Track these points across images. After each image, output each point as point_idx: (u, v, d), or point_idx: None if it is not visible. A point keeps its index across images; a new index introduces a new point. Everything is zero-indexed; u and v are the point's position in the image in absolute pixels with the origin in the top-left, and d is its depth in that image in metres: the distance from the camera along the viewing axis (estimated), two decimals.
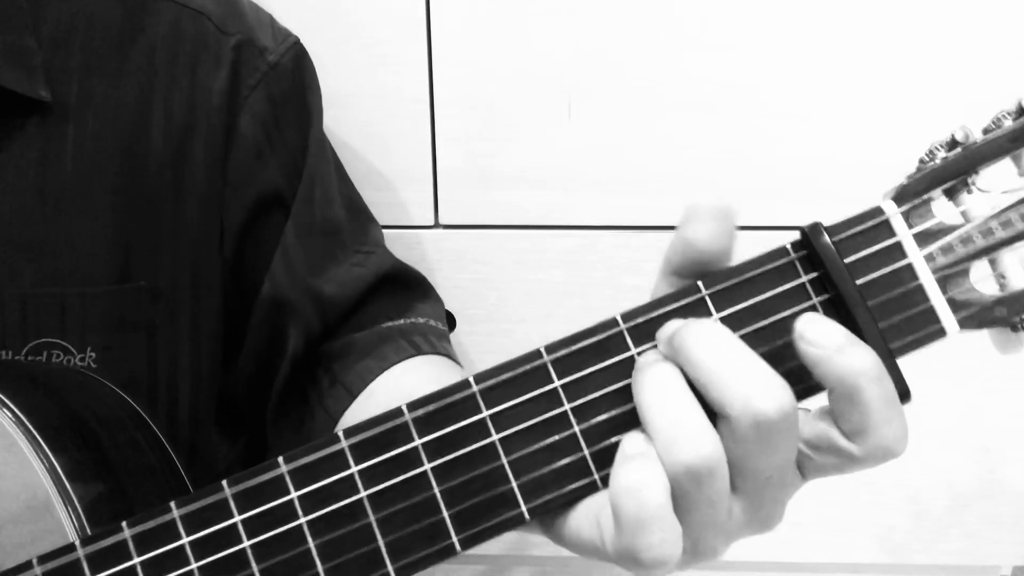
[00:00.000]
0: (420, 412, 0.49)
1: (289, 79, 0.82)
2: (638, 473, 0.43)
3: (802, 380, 0.46)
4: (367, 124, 1.03)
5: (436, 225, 1.07)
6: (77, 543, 0.49)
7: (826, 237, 0.47)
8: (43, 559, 0.49)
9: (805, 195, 1.02)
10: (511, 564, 1.23)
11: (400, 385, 0.78)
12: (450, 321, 1.06)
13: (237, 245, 0.80)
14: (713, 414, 0.44)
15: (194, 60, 0.78)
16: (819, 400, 0.47)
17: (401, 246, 1.06)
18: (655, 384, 0.45)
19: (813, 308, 0.48)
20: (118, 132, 0.75)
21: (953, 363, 1.05)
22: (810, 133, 1.00)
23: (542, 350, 0.49)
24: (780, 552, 1.16)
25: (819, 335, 0.44)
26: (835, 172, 1.01)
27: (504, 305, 1.09)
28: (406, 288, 0.90)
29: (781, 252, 0.48)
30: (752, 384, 0.43)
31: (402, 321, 0.84)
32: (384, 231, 1.00)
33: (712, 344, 0.44)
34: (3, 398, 0.59)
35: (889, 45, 0.97)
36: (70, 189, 0.74)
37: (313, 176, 0.83)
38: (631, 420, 0.47)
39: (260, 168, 0.80)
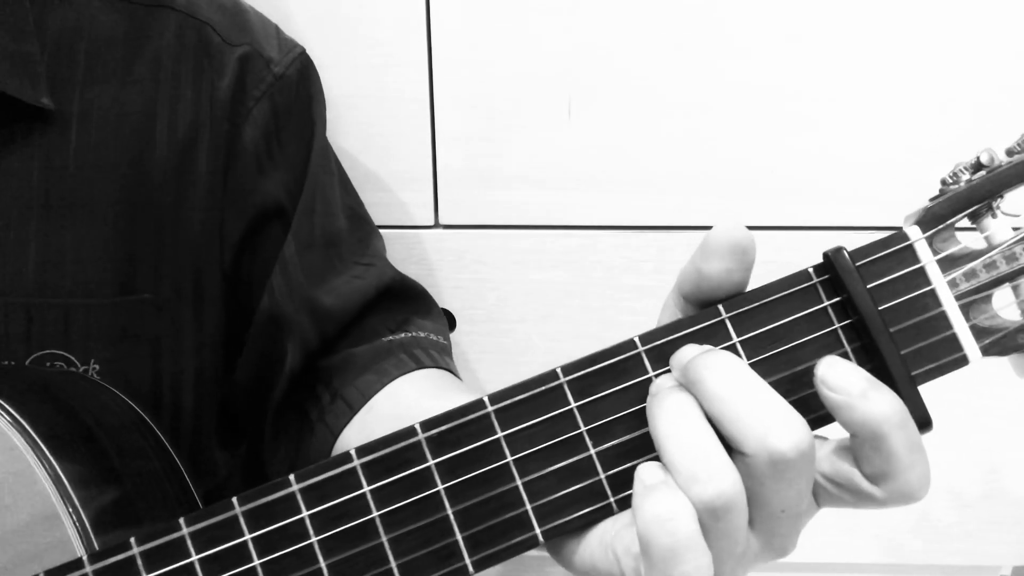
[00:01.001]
0: (433, 432, 0.48)
1: (294, 91, 0.81)
2: (666, 503, 0.42)
3: (820, 408, 0.46)
4: (367, 124, 1.02)
5: (436, 225, 1.06)
6: (85, 559, 0.49)
7: (849, 261, 0.46)
8: (51, 574, 0.49)
9: (805, 195, 1.02)
10: (513, 568, 1.23)
11: (399, 399, 0.77)
12: (450, 321, 1.05)
13: (236, 257, 0.80)
14: (728, 445, 0.44)
15: (198, 70, 0.77)
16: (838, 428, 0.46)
17: (401, 246, 1.06)
18: (672, 414, 0.44)
19: (834, 333, 0.47)
20: (121, 142, 0.75)
21: None
22: (811, 133, 1.00)
23: (558, 371, 0.48)
24: None
25: (841, 380, 0.43)
26: (836, 172, 1.01)
27: (504, 305, 1.08)
28: (406, 301, 0.89)
29: (803, 276, 0.48)
30: (768, 421, 0.42)
31: (403, 335, 0.83)
32: (384, 231, 1.00)
33: (728, 377, 0.43)
34: (6, 406, 0.59)
35: (892, 44, 0.97)
36: (73, 198, 0.73)
37: (314, 188, 0.82)
38: (649, 443, 0.47)
39: (261, 180, 0.79)
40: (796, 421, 0.42)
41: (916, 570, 1.18)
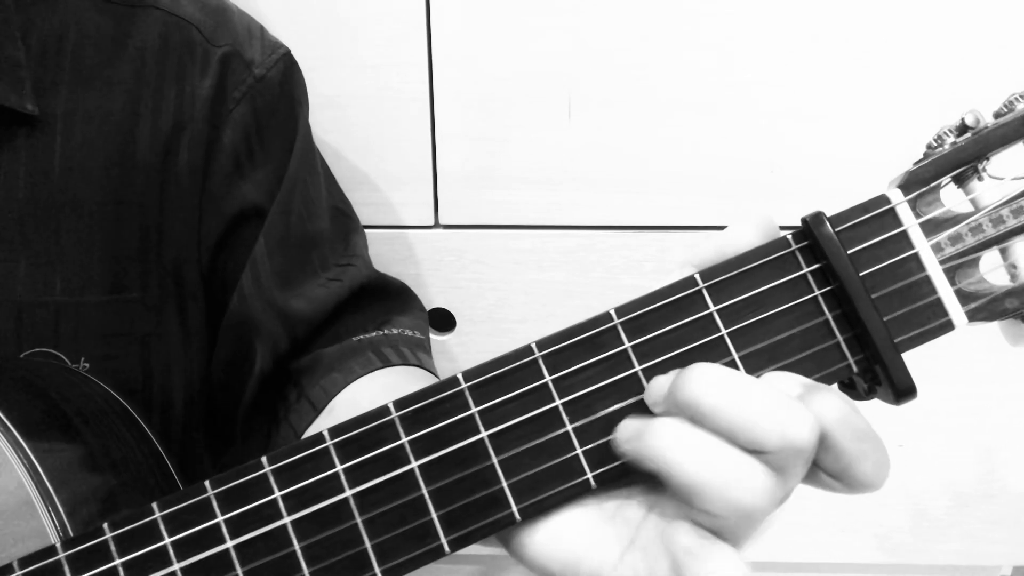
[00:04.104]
0: (407, 410, 0.47)
1: (276, 92, 0.81)
2: (725, 566, 0.41)
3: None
4: (367, 124, 1.02)
5: (436, 225, 1.06)
6: (58, 545, 0.48)
7: (828, 227, 0.45)
8: (24, 562, 0.48)
9: (806, 195, 1.02)
10: (508, 564, 1.23)
11: (360, 398, 0.77)
12: (450, 321, 1.05)
13: (212, 257, 0.80)
14: None
15: (181, 69, 0.77)
16: None
17: (401, 246, 1.06)
18: (674, 438, 0.42)
19: (814, 301, 0.46)
20: (106, 142, 0.75)
21: (954, 362, 1.05)
22: (811, 132, 1.00)
23: (533, 345, 0.47)
24: (780, 552, 1.16)
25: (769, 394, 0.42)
26: (836, 171, 1.01)
27: (504, 305, 1.08)
28: (384, 299, 0.89)
29: (781, 243, 0.47)
30: (782, 415, 0.41)
31: (375, 333, 0.83)
32: (384, 231, 1.00)
33: (727, 386, 0.42)
34: None
35: (891, 43, 0.96)
36: (60, 200, 0.73)
37: (293, 189, 0.82)
38: (624, 416, 0.46)
39: (240, 183, 0.79)
40: (802, 407, 0.41)
41: (916, 570, 1.19)
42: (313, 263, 0.84)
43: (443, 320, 1.10)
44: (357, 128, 1.03)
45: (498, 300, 1.08)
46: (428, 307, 1.06)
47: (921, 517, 1.14)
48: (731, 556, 0.41)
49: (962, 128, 0.45)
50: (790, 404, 0.41)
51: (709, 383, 0.42)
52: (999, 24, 0.95)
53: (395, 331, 0.84)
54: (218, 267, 0.80)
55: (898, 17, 0.95)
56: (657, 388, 0.45)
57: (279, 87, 0.81)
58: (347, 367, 0.79)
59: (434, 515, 0.47)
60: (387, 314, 0.87)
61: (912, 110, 0.98)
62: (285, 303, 0.81)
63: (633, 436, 0.45)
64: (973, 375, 1.06)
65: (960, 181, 0.45)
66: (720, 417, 0.41)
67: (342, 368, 0.79)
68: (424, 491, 0.47)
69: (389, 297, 0.90)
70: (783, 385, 0.43)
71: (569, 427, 0.47)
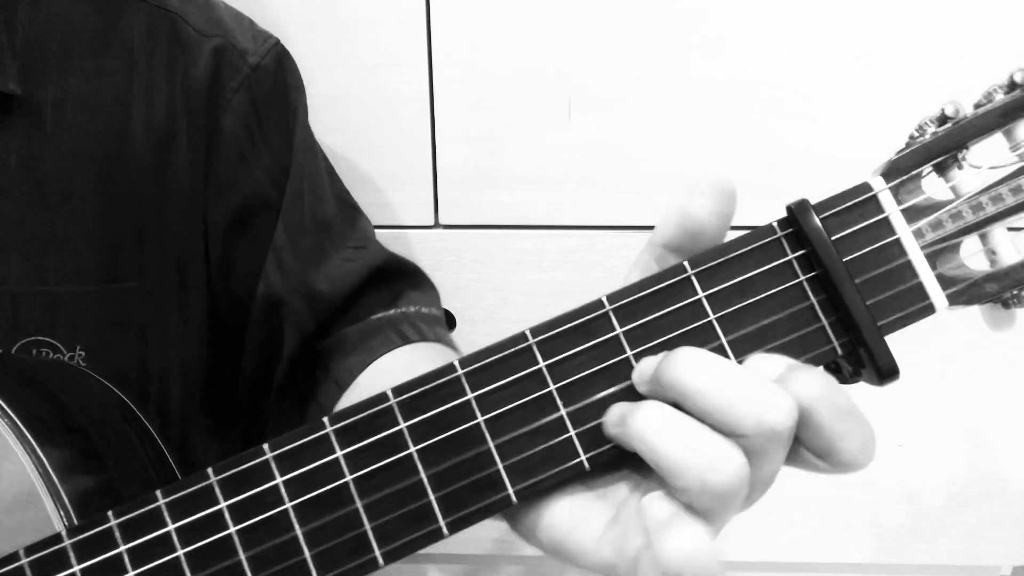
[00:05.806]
0: (405, 396, 0.48)
1: (271, 80, 0.81)
2: (693, 539, 0.42)
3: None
4: (367, 124, 1.03)
5: (436, 225, 1.07)
6: (63, 533, 0.49)
7: (813, 214, 0.47)
8: (30, 550, 0.49)
9: (806, 194, 1.01)
10: (499, 563, 1.23)
11: (383, 375, 0.77)
12: (450, 321, 1.05)
13: (224, 247, 0.80)
14: None
15: (172, 61, 0.77)
16: None
17: (401, 246, 1.06)
18: (657, 419, 0.43)
19: (800, 286, 0.47)
20: (98, 133, 0.75)
21: (953, 362, 1.04)
22: (811, 132, 1.00)
23: (527, 332, 0.48)
24: (779, 552, 1.15)
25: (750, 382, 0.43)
26: (836, 171, 1.00)
27: (504, 305, 1.08)
28: (398, 279, 0.89)
29: (767, 230, 0.48)
30: (759, 399, 0.42)
31: (392, 311, 0.84)
32: (384, 231, 1.00)
33: (707, 369, 0.43)
34: None
35: (891, 42, 0.97)
36: (53, 187, 0.74)
37: (301, 174, 0.83)
38: (617, 400, 0.47)
39: (244, 170, 0.80)
40: (780, 392, 0.42)
41: (916, 570, 1.18)
42: (328, 245, 0.85)
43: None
44: (357, 128, 1.03)
45: (498, 300, 1.08)
46: None
47: (920, 516, 1.14)
48: (700, 531, 0.42)
49: (942, 118, 0.46)
50: (768, 388, 0.42)
51: (691, 366, 0.43)
52: (1000, 24, 0.95)
53: (412, 308, 0.85)
54: (236, 257, 0.81)
55: (898, 17, 0.96)
56: (644, 369, 0.46)
57: (274, 75, 0.82)
58: (369, 346, 0.80)
59: (432, 498, 0.47)
60: (402, 291, 0.88)
61: (912, 110, 0.96)
62: (311, 285, 0.82)
63: (619, 420, 0.46)
64: (972, 375, 1.05)
65: (941, 169, 0.46)
66: (699, 400, 0.42)
67: (364, 348, 0.80)
68: (423, 475, 0.47)
69: (403, 276, 0.90)
70: (766, 366, 0.44)
71: (563, 411, 0.48)
